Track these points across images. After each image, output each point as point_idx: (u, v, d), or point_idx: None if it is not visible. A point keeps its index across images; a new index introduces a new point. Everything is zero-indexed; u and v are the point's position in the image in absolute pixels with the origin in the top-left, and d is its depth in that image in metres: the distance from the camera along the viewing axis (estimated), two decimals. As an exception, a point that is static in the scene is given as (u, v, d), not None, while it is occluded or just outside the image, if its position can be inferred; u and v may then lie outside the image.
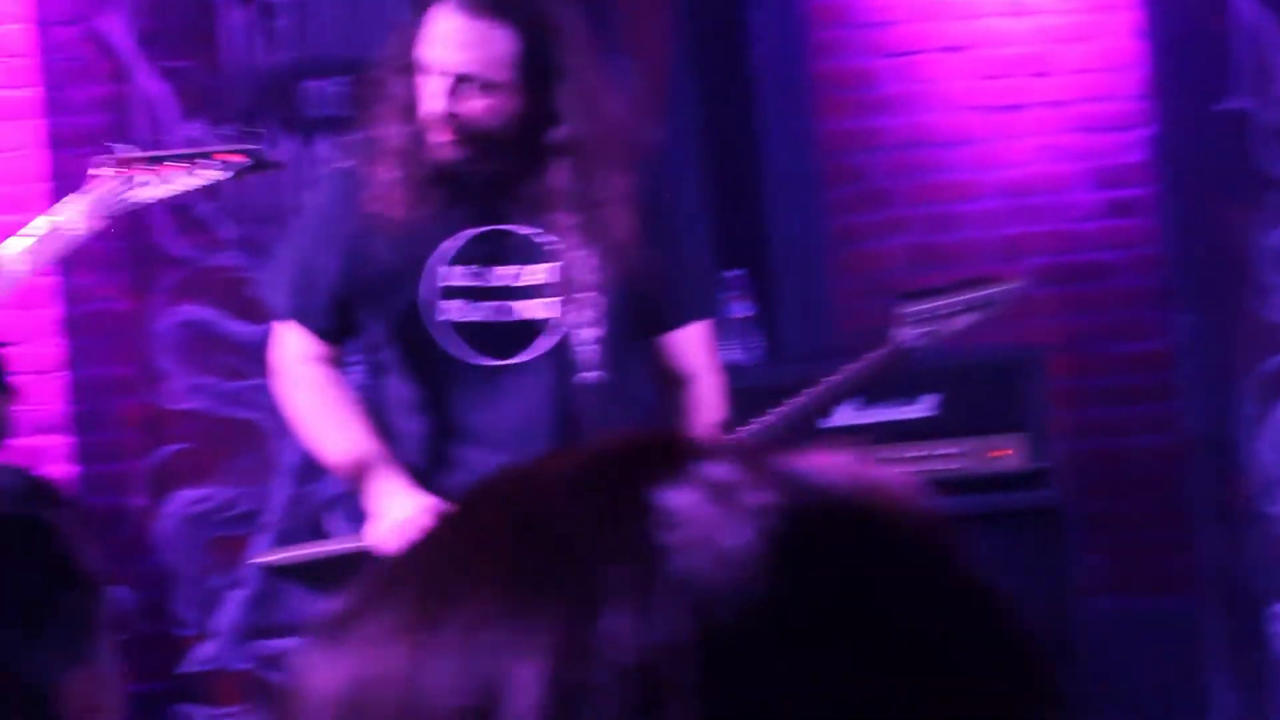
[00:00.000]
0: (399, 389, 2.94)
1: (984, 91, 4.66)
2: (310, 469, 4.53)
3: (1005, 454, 3.99)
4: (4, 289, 2.94)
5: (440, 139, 2.78)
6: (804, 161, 4.56)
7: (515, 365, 2.88)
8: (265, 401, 4.52)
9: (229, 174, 2.95)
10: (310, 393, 2.96)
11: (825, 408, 3.07)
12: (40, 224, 2.95)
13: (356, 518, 4.47)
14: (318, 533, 4.50)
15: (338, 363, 3.01)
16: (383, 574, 0.61)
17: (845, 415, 3.38)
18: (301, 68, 4.57)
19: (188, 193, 2.95)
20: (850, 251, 4.63)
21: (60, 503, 1.46)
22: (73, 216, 2.92)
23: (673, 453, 0.61)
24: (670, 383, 2.95)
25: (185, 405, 4.57)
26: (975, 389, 4.01)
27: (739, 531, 0.58)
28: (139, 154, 2.93)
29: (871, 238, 4.64)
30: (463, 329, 2.88)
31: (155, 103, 4.56)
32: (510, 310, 2.89)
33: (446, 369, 2.88)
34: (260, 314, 4.50)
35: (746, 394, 3.11)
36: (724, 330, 3.52)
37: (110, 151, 2.97)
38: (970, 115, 4.65)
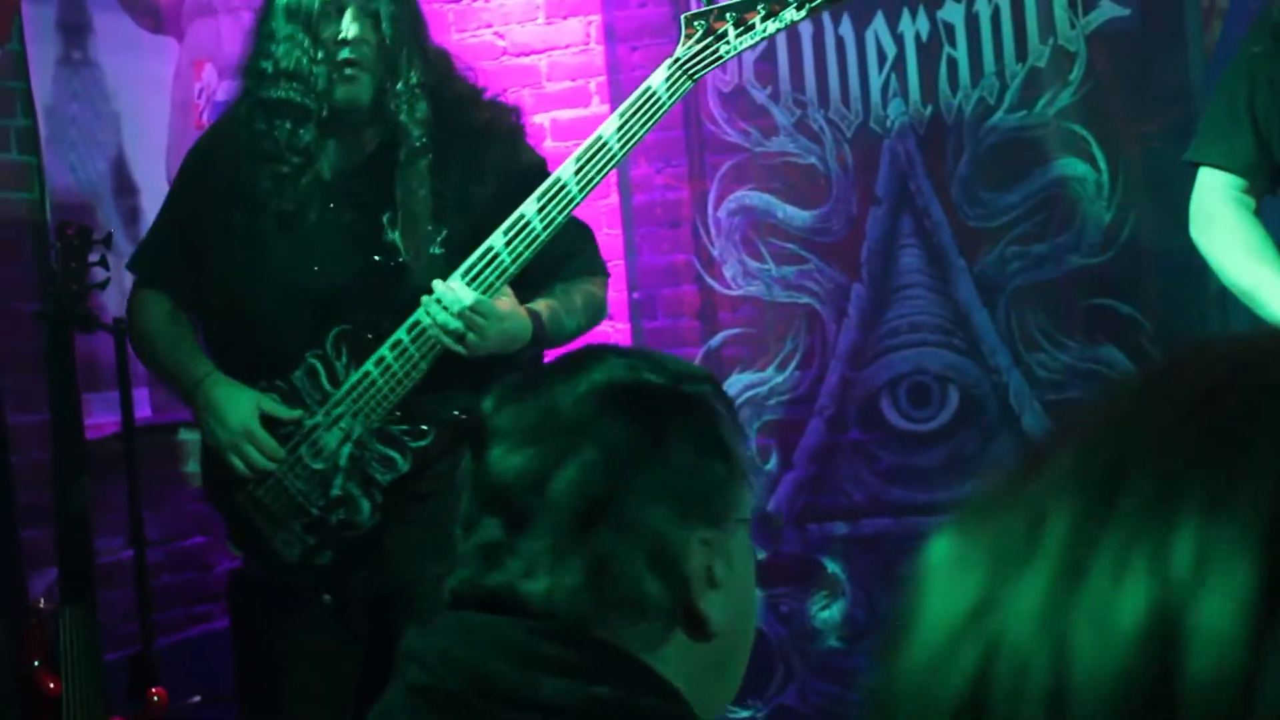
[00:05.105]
0: None
1: None
2: (863, 353, 4.54)
3: None
4: (608, 169, 3.02)
5: None
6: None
7: None
8: (818, 286, 4.56)
9: (805, 10, 2.93)
10: (1232, 225, 3.02)
11: None
12: (635, 95, 3.01)
13: (909, 403, 4.47)
14: (872, 417, 4.51)
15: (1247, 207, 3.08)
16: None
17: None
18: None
19: (767, 39, 2.96)
20: None
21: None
22: (664, 81, 2.98)
23: None
24: None
25: (740, 291, 4.64)
26: None
27: None
28: (717, 6, 2.96)
29: None
30: None
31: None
32: None
33: None
34: (813, 199, 4.54)
35: None
36: None
37: (689, 12, 3.01)
38: None
